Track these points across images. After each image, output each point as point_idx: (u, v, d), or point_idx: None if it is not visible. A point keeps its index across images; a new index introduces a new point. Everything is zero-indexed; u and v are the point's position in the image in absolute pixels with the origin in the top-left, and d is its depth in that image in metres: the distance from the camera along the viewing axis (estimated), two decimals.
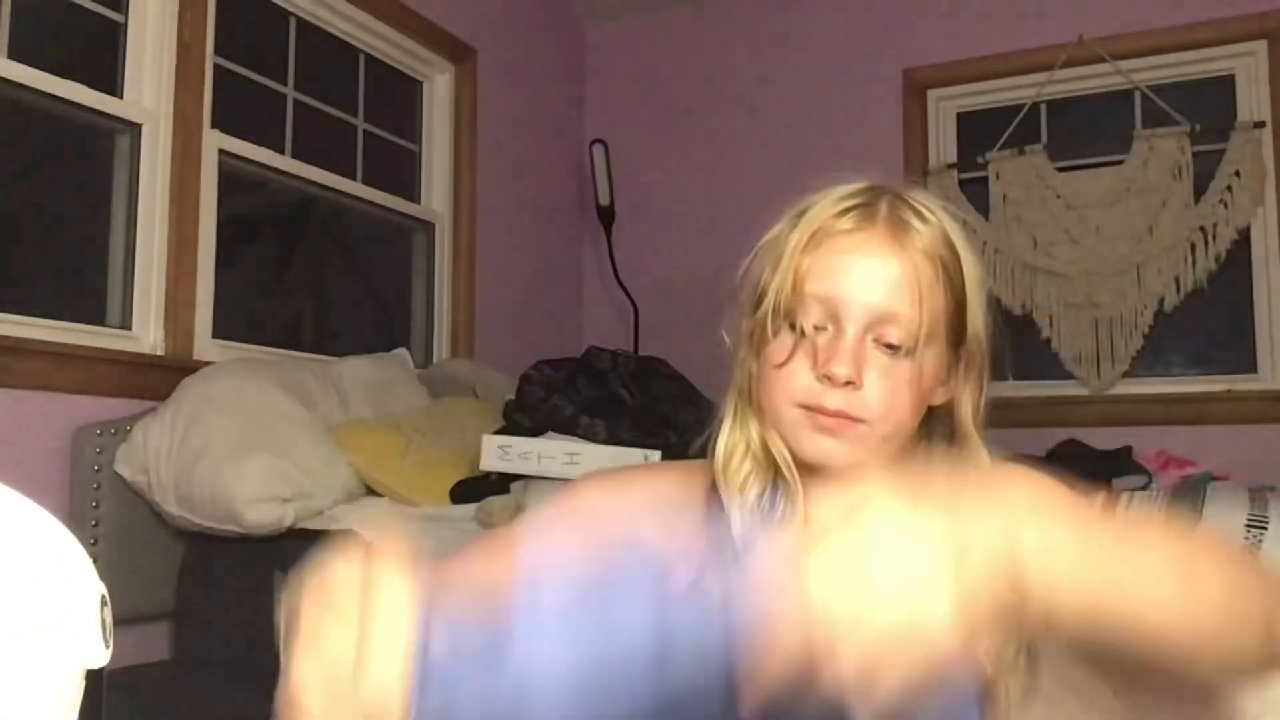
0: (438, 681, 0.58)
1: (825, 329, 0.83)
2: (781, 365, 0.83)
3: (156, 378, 2.39)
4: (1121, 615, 0.66)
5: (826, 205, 0.85)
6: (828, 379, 0.81)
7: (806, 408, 0.82)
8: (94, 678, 0.49)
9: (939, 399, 0.88)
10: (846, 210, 0.84)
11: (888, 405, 0.82)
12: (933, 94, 3.80)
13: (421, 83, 3.58)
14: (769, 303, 0.84)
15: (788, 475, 0.85)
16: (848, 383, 0.81)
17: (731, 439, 0.88)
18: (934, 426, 0.91)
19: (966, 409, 0.90)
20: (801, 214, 0.86)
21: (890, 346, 0.82)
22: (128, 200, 2.51)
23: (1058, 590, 0.63)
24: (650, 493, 0.93)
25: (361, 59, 3.34)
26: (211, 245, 2.65)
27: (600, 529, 0.84)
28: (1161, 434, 3.09)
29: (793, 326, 0.83)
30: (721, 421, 0.89)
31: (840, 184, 0.87)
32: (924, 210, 0.85)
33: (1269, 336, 3.33)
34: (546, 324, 3.91)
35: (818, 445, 0.83)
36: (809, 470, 0.86)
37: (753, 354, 0.87)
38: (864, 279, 0.82)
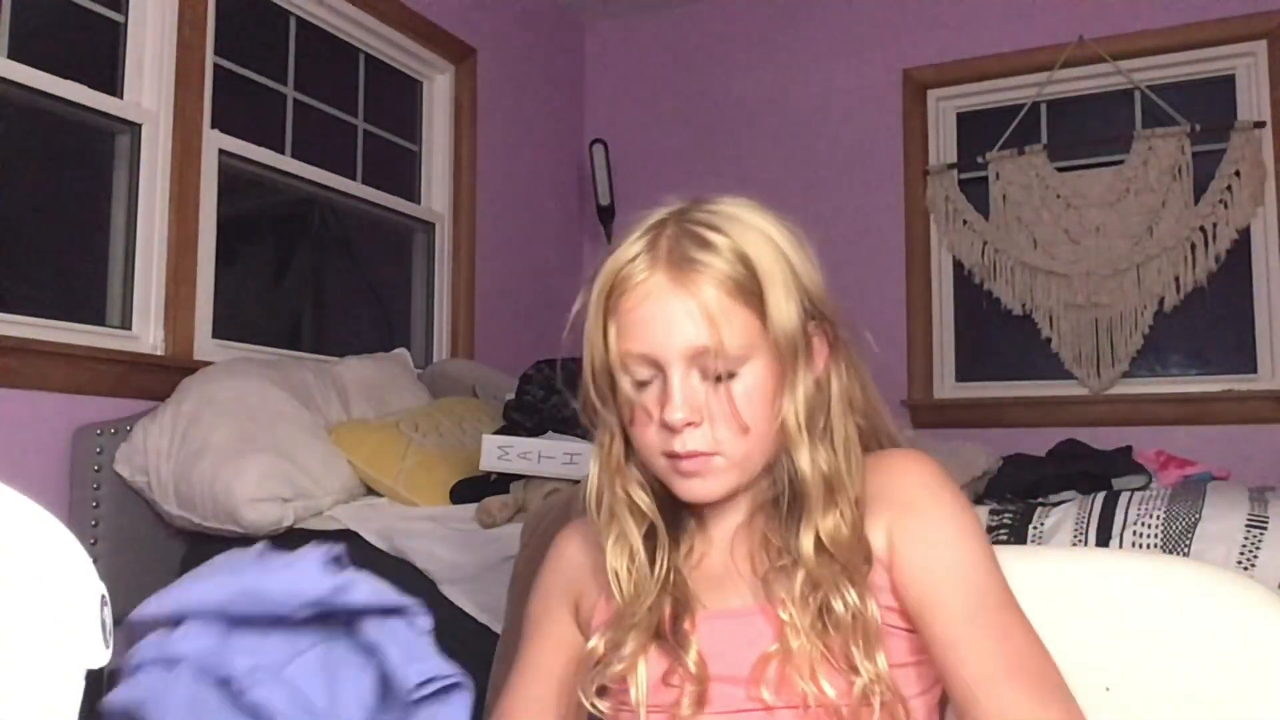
0: None
1: (653, 379, 0.86)
2: (634, 424, 0.87)
3: (156, 378, 2.39)
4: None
5: (615, 260, 0.87)
6: (669, 427, 0.84)
7: (667, 455, 0.86)
8: (94, 678, 0.49)
9: (795, 400, 0.87)
10: (632, 259, 0.86)
11: (732, 430, 0.85)
12: (933, 94, 3.80)
13: (421, 83, 3.58)
14: (592, 370, 0.89)
15: (656, 524, 0.90)
16: (688, 424, 0.84)
17: (596, 491, 0.92)
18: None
19: (835, 399, 0.89)
20: (594, 278, 0.89)
21: (716, 378, 0.84)
22: (128, 200, 2.51)
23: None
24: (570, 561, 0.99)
25: (361, 59, 3.34)
26: (211, 245, 2.65)
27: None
28: (1161, 434, 3.09)
29: (629, 382, 0.87)
30: (590, 473, 0.94)
31: (637, 218, 0.90)
32: (708, 234, 0.85)
33: (1269, 336, 3.33)
34: (546, 324, 3.91)
35: (690, 489, 0.87)
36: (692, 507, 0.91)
37: (604, 416, 0.91)
38: (665, 326, 0.84)
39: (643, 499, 0.90)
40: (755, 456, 0.87)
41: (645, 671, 0.85)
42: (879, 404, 0.94)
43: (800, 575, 0.83)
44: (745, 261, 0.84)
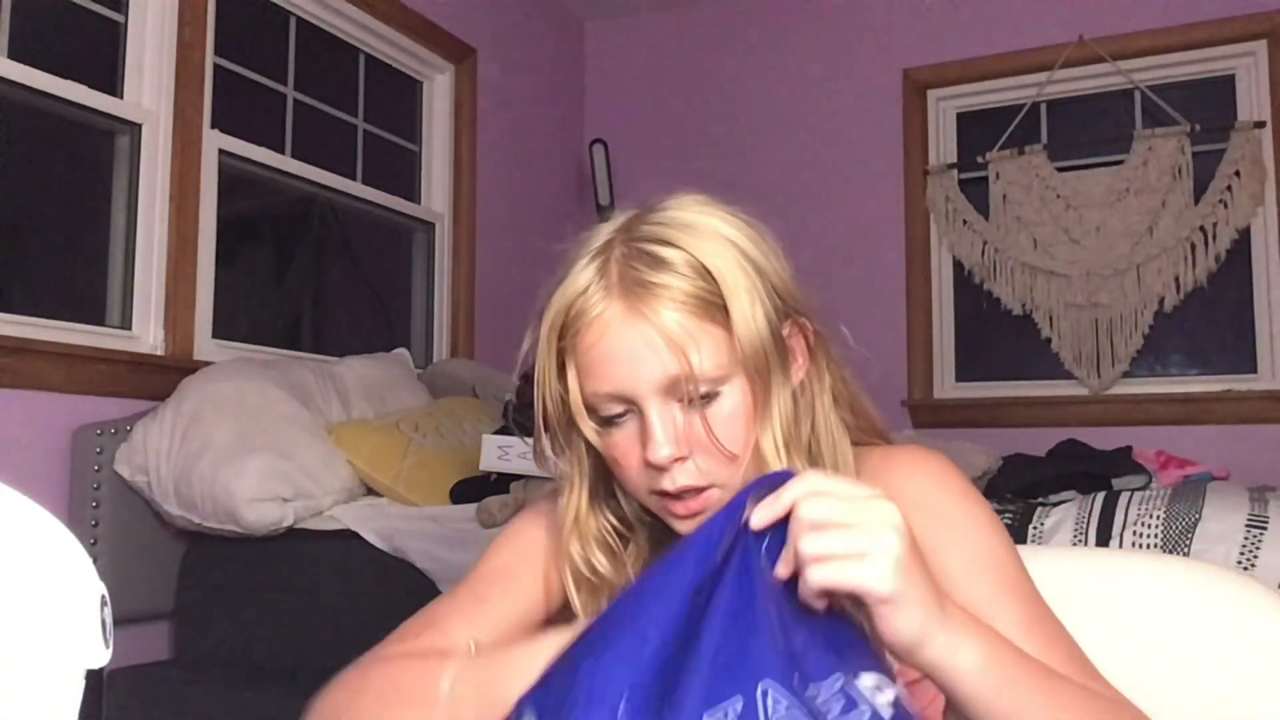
0: None
1: (627, 414, 0.79)
2: (615, 465, 0.81)
3: (156, 378, 2.39)
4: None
5: (564, 293, 0.80)
6: (655, 466, 0.78)
7: (657, 494, 0.80)
8: (94, 678, 0.49)
9: (771, 423, 0.81)
10: (583, 291, 0.79)
11: (722, 457, 0.78)
12: (933, 94, 3.80)
13: (421, 83, 3.58)
14: (547, 418, 0.82)
15: (614, 546, 0.86)
16: (675, 460, 0.77)
17: (565, 510, 0.86)
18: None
19: (819, 398, 0.84)
20: (542, 314, 0.82)
21: (691, 402, 0.77)
22: (128, 200, 2.51)
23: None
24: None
25: (361, 59, 3.34)
26: (211, 245, 2.65)
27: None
28: (1161, 434, 3.09)
29: (600, 420, 0.80)
30: (561, 495, 0.87)
31: (583, 238, 0.83)
32: (659, 249, 0.78)
33: (1269, 336, 3.33)
34: None
35: (685, 526, 0.80)
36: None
37: (560, 474, 0.85)
38: (629, 360, 0.77)
39: (603, 563, 0.84)
40: (749, 470, 0.80)
41: None
42: (862, 395, 0.89)
43: None
44: (704, 274, 0.77)
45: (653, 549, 0.86)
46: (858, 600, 0.63)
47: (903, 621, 0.63)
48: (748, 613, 0.60)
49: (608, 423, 0.79)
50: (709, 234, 0.79)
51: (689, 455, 0.78)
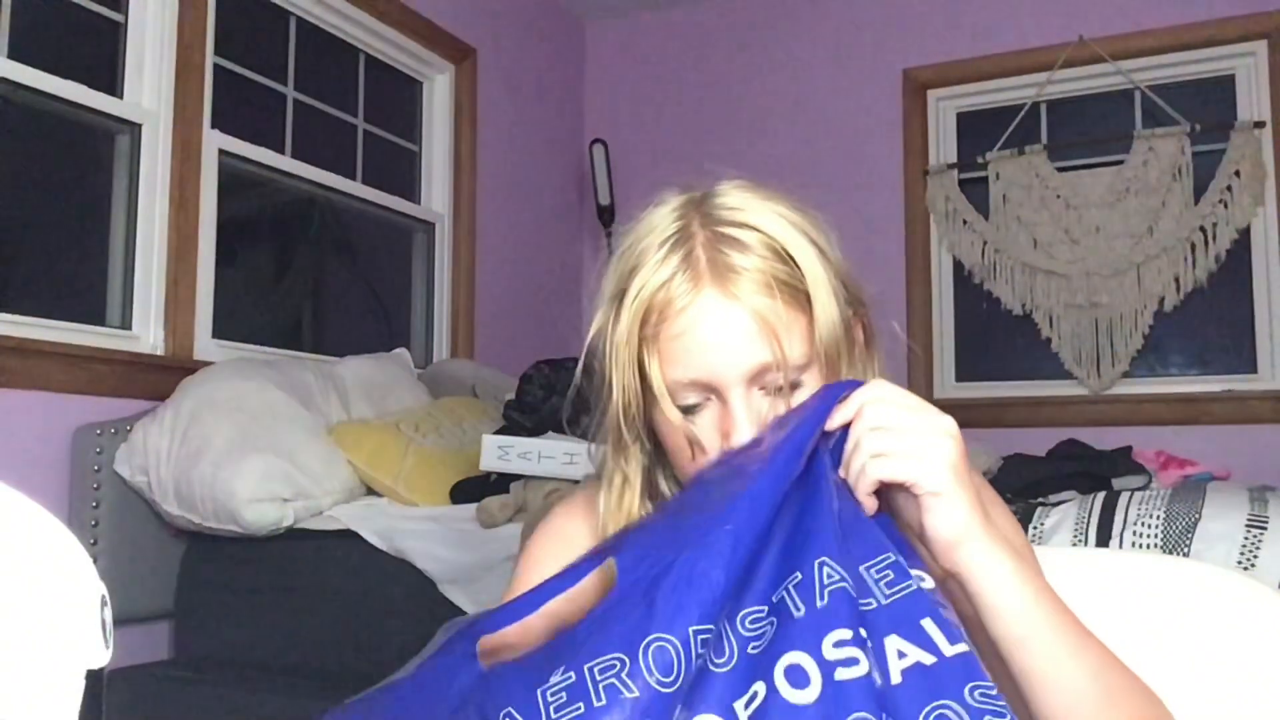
0: None
1: (704, 403, 0.77)
2: (684, 450, 0.78)
3: (156, 378, 2.39)
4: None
5: (647, 282, 0.77)
6: None
7: None
8: (94, 678, 0.49)
9: None
10: (669, 279, 0.76)
11: None
12: (933, 94, 3.80)
13: (421, 83, 3.58)
14: (625, 404, 0.79)
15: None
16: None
17: (612, 499, 0.84)
18: None
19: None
20: (621, 296, 0.79)
21: (779, 390, 0.76)
22: (128, 200, 2.51)
23: None
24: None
25: (361, 59, 3.34)
26: (211, 245, 2.65)
27: None
28: (1161, 434, 3.09)
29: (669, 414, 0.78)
30: (602, 479, 0.85)
31: (645, 225, 0.81)
32: (740, 234, 0.77)
33: (1269, 336, 3.33)
34: (546, 324, 3.91)
35: None
36: None
37: (616, 461, 0.83)
38: (719, 348, 0.75)
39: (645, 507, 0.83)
40: None
41: None
42: None
43: None
44: (788, 260, 0.76)
45: None
46: (908, 499, 0.69)
47: (949, 515, 0.68)
48: (813, 507, 0.67)
49: (685, 411, 0.77)
50: (778, 218, 0.78)
51: None
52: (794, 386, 0.76)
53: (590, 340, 0.83)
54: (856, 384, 0.72)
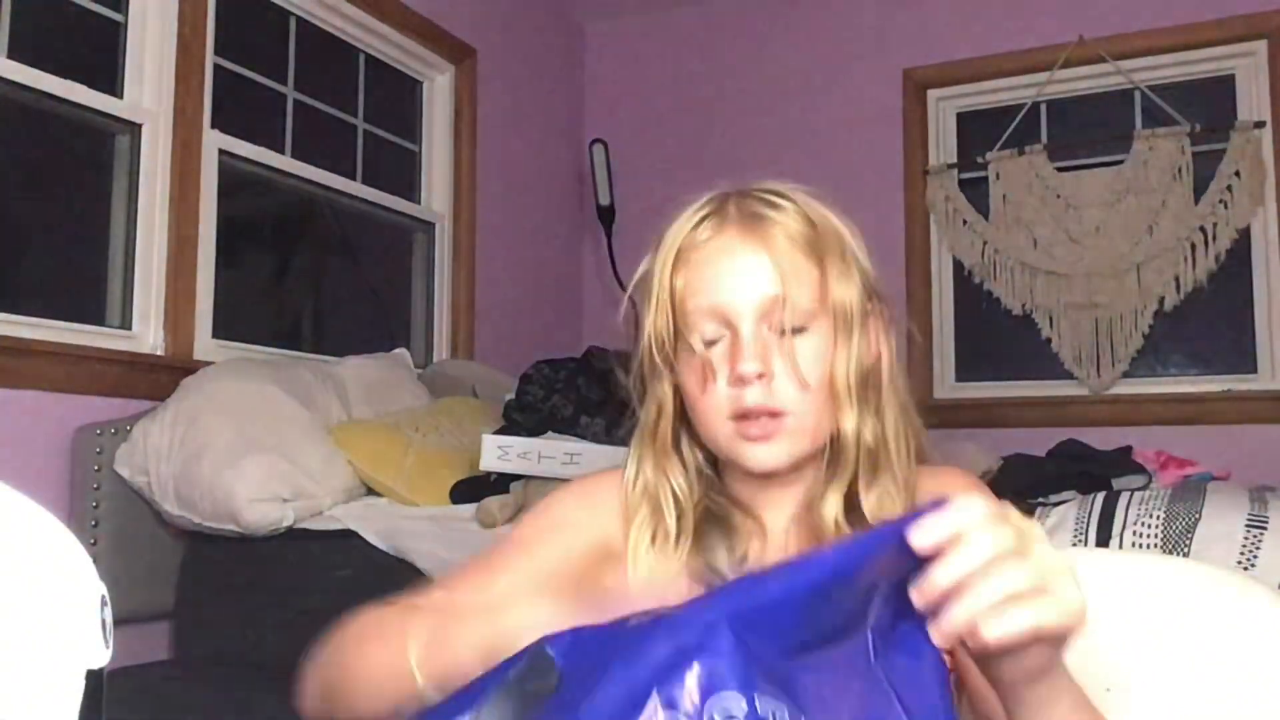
0: None
1: (721, 338, 0.85)
2: (703, 390, 0.85)
3: (156, 378, 2.39)
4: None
5: (680, 225, 0.88)
6: (740, 380, 0.83)
7: (734, 418, 0.84)
8: (94, 678, 0.49)
9: (847, 360, 0.87)
10: (699, 223, 0.87)
11: (794, 385, 0.83)
12: (933, 94, 3.80)
13: (421, 83, 3.58)
14: (658, 325, 0.87)
15: (669, 520, 0.88)
16: (759, 375, 0.82)
17: (634, 475, 0.90)
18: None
19: (887, 380, 0.88)
20: (659, 244, 0.89)
21: (783, 332, 0.84)
22: (128, 200, 2.51)
23: None
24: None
25: (361, 59, 3.34)
26: (211, 245, 2.65)
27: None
28: (1161, 434, 3.09)
29: (691, 349, 0.85)
30: (630, 457, 0.92)
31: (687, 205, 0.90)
32: (773, 198, 0.87)
33: (1269, 336, 3.33)
34: (546, 324, 3.91)
35: (755, 456, 0.84)
36: (746, 485, 0.89)
37: (656, 384, 0.89)
38: (737, 277, 0.84)
39: (681, 487, 0.88)
40: (823, 422, 0.85)
41: None
42: (911, 403, 0.92)
43: None
44: (810, 224, 0.86)
45: (696, 541, 0.88)
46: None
47: (1048, 654, 0.59)
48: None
49: (702, 346, 0.85)
50: (815, 202, 0.89)
51: (772, 376, 0.83)
52: (798, 331, 0.84)
53: (636, 277, 0.90)
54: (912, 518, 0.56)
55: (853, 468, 0.85)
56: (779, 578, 0.55)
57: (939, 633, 0.55)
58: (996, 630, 0.54)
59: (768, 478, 0.87)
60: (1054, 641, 0.58)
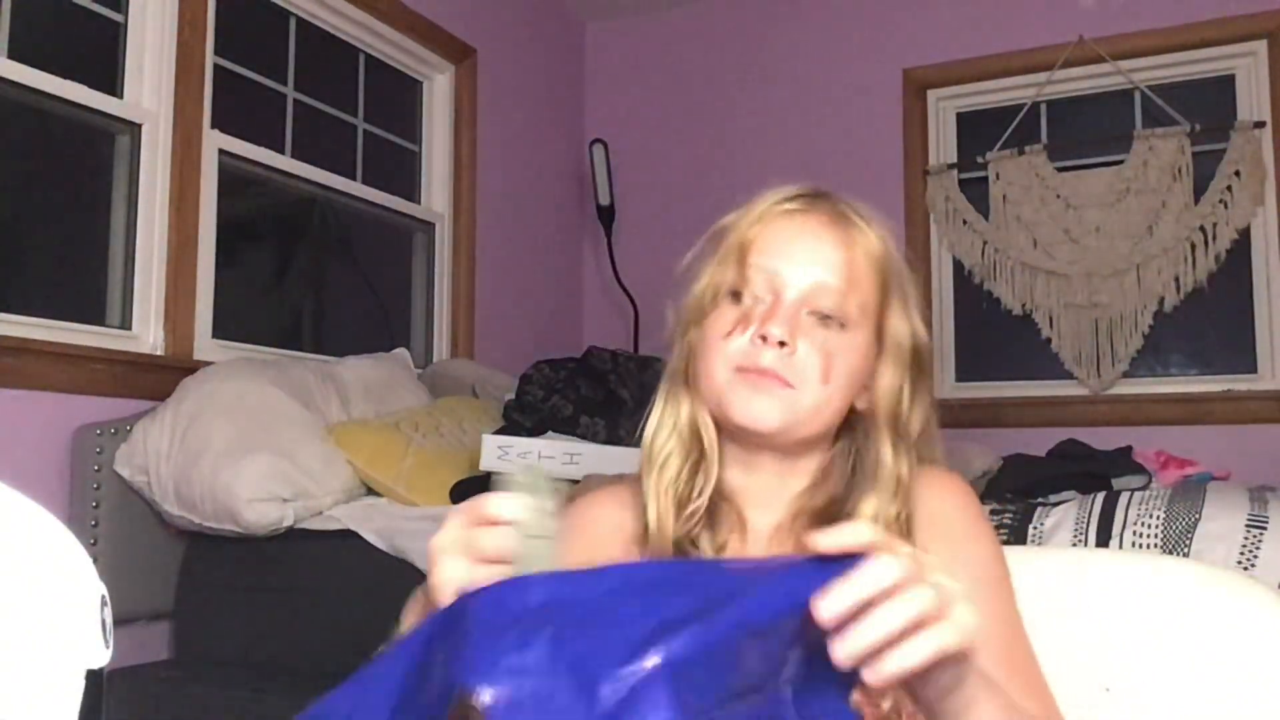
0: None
1: (765, 299, 0.87)
2: (726, 335, 0.87)
3: (156, 378, 2.39)
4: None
5: (774, 193, 0.92)
6: (763, 339, 0.85)
7: (740, 369, 0.86)
8: (94, 678, 0.49)
9: (862, 402, 0.90)
10: (793, 197, 0.91)
11: (818, 371, 0.85)
12: (933, 94, 3.80)
13: (421, 83, 3.58)
14: (716, 274, 0.90)
15: (708, 448, 0.90)
16: (781, 344, 0.84)
17: (658, 418, 0.93)
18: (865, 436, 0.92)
19: (909, 416, 0.91)
20: (750, 203, 0.93)
21: (824, 316, 0.86)
22: (128, 200, 2.51)
23: None
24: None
25: (361, 59, 3.34)
26: (211, 245, 2.65)
27: None
28: (1161, 434, 3.09)
29: (736, 299, 0.88)
30: (653, 405, 0.94)
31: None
32: (866, 213, 0.92)
33: (1269, 336, 3.33)
34: (546, 324, 3.91)
35: (748, 406, 0.85)
36: (736, 444, 0.90)
37: (694, 330, 0.92)
38: (804, 254, 0.88)
39: (707, 422, 0.89)
40: (824, 414, 0.87)
41: None
42: (936, 437, 0.94)
43: None
44: (889, 253, 0.91)
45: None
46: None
47: (956, 670, 0.61)
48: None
49: (738, 298, 0.88)
50: (896, 247, 0.93)
51: (793, 351, 0.85)
52: (838, 324, 0.86)
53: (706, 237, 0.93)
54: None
55: (877, 485, 0.87)
56: (713, 613, 0.53)
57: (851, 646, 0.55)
58: (923, 651, 0.56)
59: (754, 455, 0.89)
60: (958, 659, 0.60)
